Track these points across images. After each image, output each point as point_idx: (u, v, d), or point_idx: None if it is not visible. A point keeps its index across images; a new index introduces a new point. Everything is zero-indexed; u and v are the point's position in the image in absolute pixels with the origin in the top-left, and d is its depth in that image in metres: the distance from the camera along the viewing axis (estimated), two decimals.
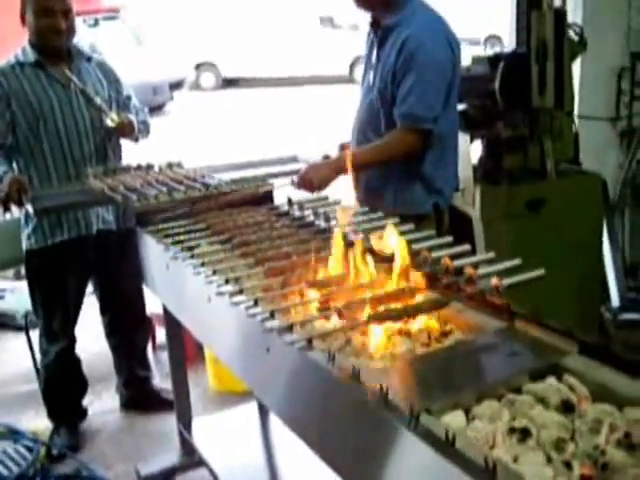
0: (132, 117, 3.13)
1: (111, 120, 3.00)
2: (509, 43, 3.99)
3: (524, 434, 1.14)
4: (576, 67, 3.74)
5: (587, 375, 1.31)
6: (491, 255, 1.84)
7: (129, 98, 3.24)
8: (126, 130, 3.09)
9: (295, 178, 2.61)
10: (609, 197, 3.98)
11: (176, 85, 13.79)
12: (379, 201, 2.60)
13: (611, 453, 1.08)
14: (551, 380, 1.30)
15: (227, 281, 1.82)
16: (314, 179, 2.57)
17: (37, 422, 3.38)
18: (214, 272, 1.90)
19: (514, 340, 1.49)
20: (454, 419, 1.21)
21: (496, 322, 1.59)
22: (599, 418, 1.16)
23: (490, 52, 3.99)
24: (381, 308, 1.59)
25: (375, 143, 2.65)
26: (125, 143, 3.26)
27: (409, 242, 1.79)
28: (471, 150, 3.41)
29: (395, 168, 2.65)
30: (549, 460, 1.11)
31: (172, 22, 16.04)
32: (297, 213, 2.40)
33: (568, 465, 1.07)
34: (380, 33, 2.66)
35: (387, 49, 2.60)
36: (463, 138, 3.20)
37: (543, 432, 1.14)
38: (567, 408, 1.22)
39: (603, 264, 3.90)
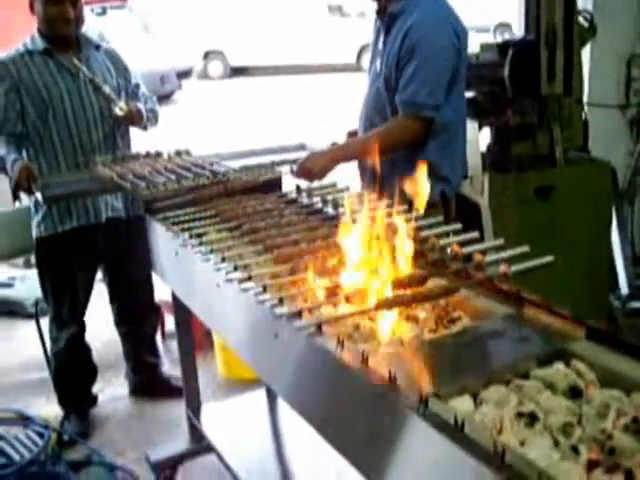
0: (141, 105, 3.14)
1: (120, 109, 3.01)
2: (518, 30, 3.97)
3: (531, 419, 1.14)
4: (586, 54, 3.72)
5: (595, 360, 1.31)
6: (500, 242, 1.84)
7: (137, 86, 3.24)
8: (135, 118, 3.09)
9: (294, 167, 2.60)
10: (618, 185, 3.97)
11: (184, 74, 13.77)
12: (385, 188, 2.60)
13: (618, 438, 1.08)
14: (559, 365, 1.30)
15: (236, 268, 1.83)
16: (313, 168, 2.56)
17: (48, 409, 3.41)
18: (223, 259, 1.91)
19: (522, 326, 1.50)
20: (462, 404, 1.21)
21: (504, 308, 1.60)
22: (606, 403, 1.16)
23: (499, 40, 3.99)
24: (390, 294, 1.59)
25: (376, 130, 2.64)
26: (134, 131, 3.27)
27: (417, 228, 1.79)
28: (480, 138, 3.40)
29: (400, 156, 2.64)
30: (556, 444, 1.11)
31: (180, 10, 16.00)
32: (305, 200, 2.41)
33: (575, 449, 1.08)
34: (386, 20, 2.65)
35: (393, 36, 2.60)
36: (472, 126, 3.19)
37: (550, 417, 1.15)
38: (575, 393, 1.22)
39: (612, 252, 3.89)
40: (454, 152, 2.72)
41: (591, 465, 1.05)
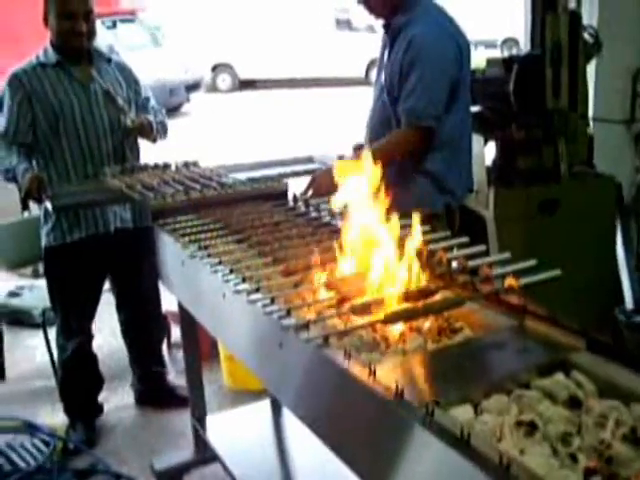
0: (151, 118, 3.18)
1: (131, 120, 3.05)
2: (525, 45, 4.00)
3: (531, 428, 1.16)
4: (591, 69, 3.75)
5: (594, 371, 1.33)
6: (507, 255, 1.86)
7: (147, 99, 3.28)
8: (144, 131, 3.13)
9: (305, 195, 2.62)
10: (623, 200, 3.98)
11: (193, 86, 13.84)
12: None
13: (617, 447, 1.09)
14: (559, 376, 1.32)
15: (244, 280, 1.85)
16: (321, 190, 2.57)
17: (54, 417, 3.42)
18: (231, 271, 1.92)
19: (523, 337, 1.51)
20: (462, 413, 1.23)
21: (507, 320, 1.61)
22: (605, 413, 1.18)
23: (506, 55, 4.01)
24: (397, 307, 1.61)
25: (378, 143, 2.66)
26: (143, 143, 3.30)
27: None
28: (485, 152, 3.43)
29: (406, 167, 2.67)
30: (555, 453, 1.13)
31: (189, 24, 16.12)
32: (314, 213, 2.43)
33: (574, 458, 1.09)
34: (391, 34, 2.69)
35: (396, 49, 2.64)
36: (477, 140, 3.22)
37: (550, 426, 1.16)
38: (574, 403, 1.24)
39: (617, 267, 3.90)
40: (459, 165, 2.74)
41: (589, 473, 1.07)
